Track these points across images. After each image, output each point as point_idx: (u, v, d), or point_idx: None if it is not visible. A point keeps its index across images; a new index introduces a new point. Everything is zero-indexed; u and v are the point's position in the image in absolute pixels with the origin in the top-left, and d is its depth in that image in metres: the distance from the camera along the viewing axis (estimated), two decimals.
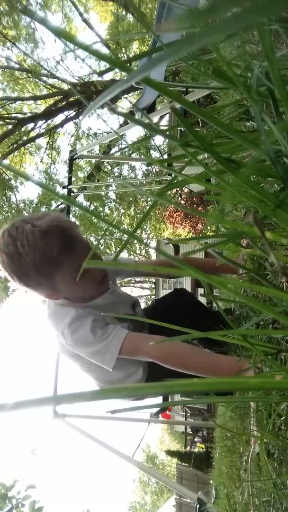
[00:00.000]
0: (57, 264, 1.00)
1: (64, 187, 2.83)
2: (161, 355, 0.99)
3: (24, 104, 11.97)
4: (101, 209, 11.89)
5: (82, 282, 1.05)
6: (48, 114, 11.11)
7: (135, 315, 1.34)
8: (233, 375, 0.85)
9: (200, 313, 1.41)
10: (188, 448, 11.20)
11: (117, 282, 1.47)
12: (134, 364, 1.24)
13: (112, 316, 1.19)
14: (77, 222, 10.76)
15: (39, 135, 11.41)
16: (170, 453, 11.95)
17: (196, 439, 10.95)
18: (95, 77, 10.42)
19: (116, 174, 11.96)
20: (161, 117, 9.61)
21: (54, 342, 1.20)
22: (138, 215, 12.33)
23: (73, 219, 10.44)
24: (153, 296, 15.16)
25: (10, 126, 10.81)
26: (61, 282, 1.05)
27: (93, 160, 8.49)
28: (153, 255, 15.02)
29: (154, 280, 14.15)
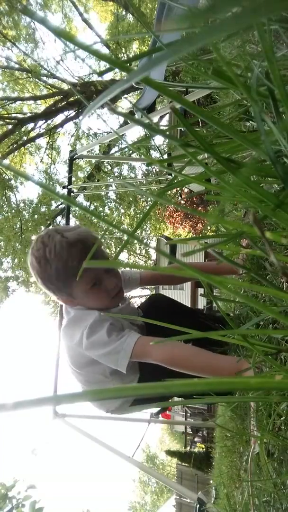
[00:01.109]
0: (75, 274, 1.07)
1: (64, 187, 2.83)
2: (167, 357, 1.03)
3: (24, 104, 11.98)
4: (101, 209, 11.89)
5: (95, 294, 1.16)
6: (48, 114, 11.11)
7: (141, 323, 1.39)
8: (233, 375, 0.86)
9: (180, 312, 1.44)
10: (188, 448, 11.21)
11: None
12: (133, 372, 1.26)
13: (127, 321, 1.25)
14: (77, 222, 10.77)
15: (39, 135, 11.42)
16: (170, 453, 11.94)
17: (196, 439, 10.96)
18: (95, 77, 10.43)
19: (116, 174, 11.96)
20: (161, 117, 9.62)
21: (64, 356, 1.24)
22: (138, 215, 12.33)
23: (73, 219, 10.45)
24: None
25: (10, 126, 10.81)
26: (78, 291, 1.15)
27: (93, 160, 8.49)
28: (153, 255, 15.01)
29: None
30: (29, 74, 10.87)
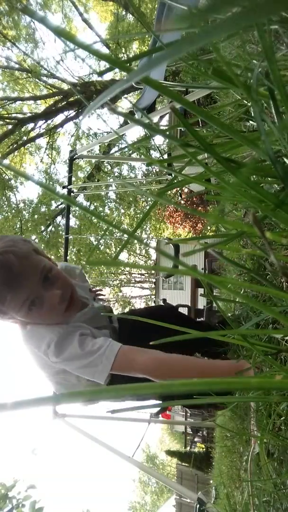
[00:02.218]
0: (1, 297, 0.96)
1: (64, 187, 2.83)
2: (154, 369, 0.94)
3: (24, 104, 11.98)
4: (101, 209, 11.89)
5: (38, 315, 1.02)
6: (48, 114, 11.12)
7: (112, 325, 1.28)
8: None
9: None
10: (188, 448, 11.21)
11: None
12: None
13: (98, 325, 1.15)
14: (77, 222, 10.77)
15: (39, 135, 11.42)
16: (170, 453, 11.95)
17: (196, 439, 10.95)
18: (95, 77, 10.43)
19: (116, 174, 11.96)
20: (161, 117, 9.61)
21: (31, 360, 1.12)
22: (138, 215, 12.33)
23: (73, 219, 10.45)
24: (153, 296, 15.14)
25: (10, 126, 10.82)
26: (16, 315, 1.02)
27: (93, 160, 8.49)
28: (153, 255, 15.01)
29: (154, 280, 14.13)
30: (29, 74, 10.87)
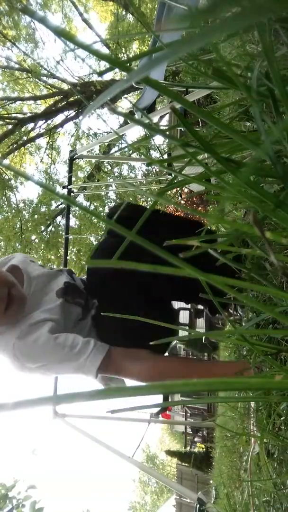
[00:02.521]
0: None
1: (64, 187, 2.83)
2: (151, 379, 0.92)
3: (24, 104, 11.97)
4: (101, 209, 11.89)
5: None
6: (48, 114, 11.11)
7: (73, 283, 1.17)
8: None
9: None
10: (188, 448, 11.20)
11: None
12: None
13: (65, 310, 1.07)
14: (77, 222, 10.76)
15: (39, 135, 11.41)
16: (170, 453, 11.94)
17: (196, 439, 10.94)
18: (95, 77, 10.42)
19: (116, 174, 11.95)
20: (161, 117, 9.60)
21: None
22: None
23: (73, 219, 10.44)
24: None
25: (10, 126, 10.81)
26: None
27: (93, 160, 8.49)
28: None
29: None
30: (29, 74, 10.87)
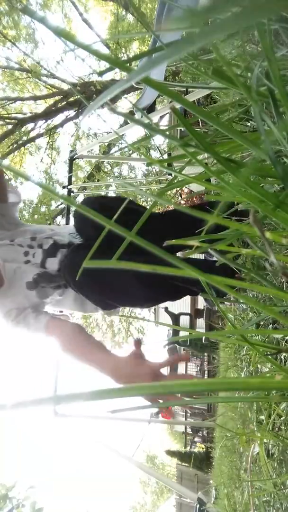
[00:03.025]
0: None
1: (64, 187, 2.84)
2: (62, 343, 1.09)
3: (24, 104, 11.96)
4: None
5: None
6: (48, 114, 11.11)
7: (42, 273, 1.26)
8: (107, 371, 0.92)
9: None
10: (188, 448, 11.21)
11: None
12: None
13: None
14: None
15: (39, 135, 11.41)
16: (170, 453, 11.94)
17: (196, 439, 10.95)
18: (95, 77, 10.42)
19: (116, 174, 11.95)
20: (161, 117, 9.60)
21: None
22: None
23: (72, 219, 10.45)
24: None
25: (10, 126, 10.81)
26: None
27: (93, 160, 8.50)
28: None
29: None
30: (29, 74, 10.87)
